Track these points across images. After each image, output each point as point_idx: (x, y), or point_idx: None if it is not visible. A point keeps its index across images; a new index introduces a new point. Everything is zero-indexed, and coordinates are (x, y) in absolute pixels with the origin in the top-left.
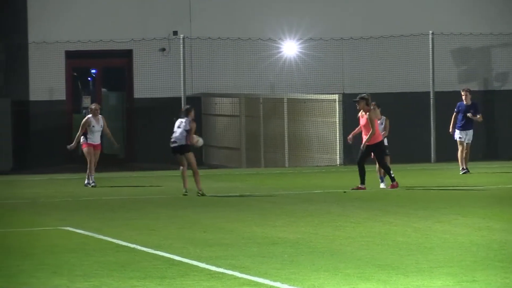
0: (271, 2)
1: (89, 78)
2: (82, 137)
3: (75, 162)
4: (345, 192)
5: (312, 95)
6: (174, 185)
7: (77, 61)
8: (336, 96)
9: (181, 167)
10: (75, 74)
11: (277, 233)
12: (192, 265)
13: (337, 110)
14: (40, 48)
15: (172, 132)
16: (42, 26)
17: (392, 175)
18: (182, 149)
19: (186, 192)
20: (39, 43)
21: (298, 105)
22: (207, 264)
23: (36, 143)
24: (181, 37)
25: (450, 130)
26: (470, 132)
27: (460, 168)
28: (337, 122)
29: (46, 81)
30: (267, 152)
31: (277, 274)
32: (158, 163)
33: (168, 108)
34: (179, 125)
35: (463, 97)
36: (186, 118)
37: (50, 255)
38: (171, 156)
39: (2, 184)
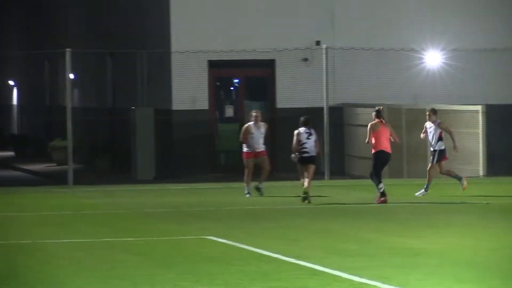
0: (414, 13)
1: (231, 88)
2: (244, 145)
3: (218, 171)
4: (488, 203)
5: (455, 105)
6: (313, 195)
7: (220, 71)
8: (479, 107)
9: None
10: (217, 83)
11: (419, 243)
12: (335, 275)
13: (480, 121)
14: (183, 57)
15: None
16: (185, 36)
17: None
18: (311, 159)
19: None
20: (182, 53)
21: (441, 116)
22: (349, 274)
23: (179, 152)
24: (324, 47)
25: None
26: None
27: None
28: (480, 133)
29: (189, 91)
30: (410, 163)
31: (420, 285)
32: (292, 173)
33: (310, 118)
34: (308, 136)
35: None
36: (305, 128)
37: (192, 264)
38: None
39: (145, 193)
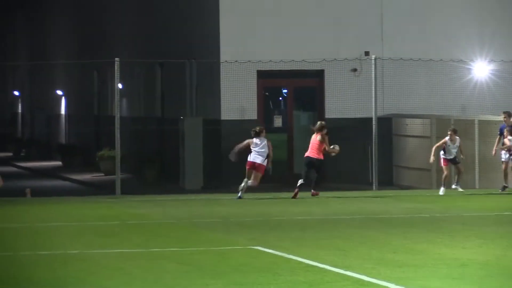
0: (462, 23)
1: (280, 98)
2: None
3: (266, 181)
4: None
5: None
6: (363, 206)
7: (269, 81)
8: None
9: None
10: (266, 93)
11: (467, 254)
12: (382, 286)
13: None
14: (232, 67)
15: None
16: (235, 46)
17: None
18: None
19: None
20: (231, 63)
21: (489, 127)
22: (396, 285)
23: (227, 162)
24: (373, 58)
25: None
26: None
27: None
28: None
29: (238, 100)
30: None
31: None
32: (347, 183)
33: (359, 129)
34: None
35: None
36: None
37: (240, 274)
38: (361, 177)
39: (193, 203)
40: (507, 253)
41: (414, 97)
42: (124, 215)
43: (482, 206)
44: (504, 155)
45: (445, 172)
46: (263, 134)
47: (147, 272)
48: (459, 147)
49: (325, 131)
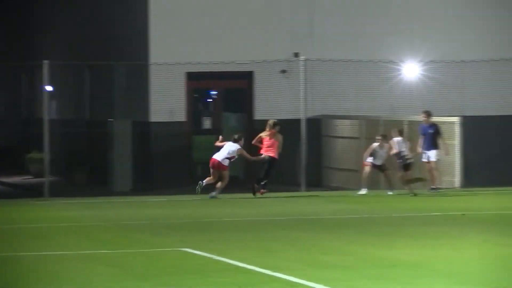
0: (392, 25)
1: (209, 100)
2: None
3: (195, 183)
4: (463, 214)
5: (433, 117)
6: (293, 207)
7: (198, 83)
8: (456, 119)
9: None
10: (195, 95)
11: (396, 255)
12: (311, 287)
13: (457, 132)
14: (161, 69)
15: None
16: (164, 48)
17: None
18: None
19: None
20: (160, 65)
21: (418, 127)
22: (325, 286)
23: (156, 164)
24: (302, 59)
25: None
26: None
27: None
28: (457, 145)
29: (167, 102)
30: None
31: None
32: (276, 184)
33: (289, 130)
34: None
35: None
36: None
37: (169, 276)
38: (290, 178)
39: (122, 205)
40: (436, 254)
41: (343, 98)
42: (53, 217)
43: (411, 207)
44: (424, 156)
45: (366, 171)
46: (241, 142)
47: (76, 275)
48: (389, 151)
49: (277, 128)
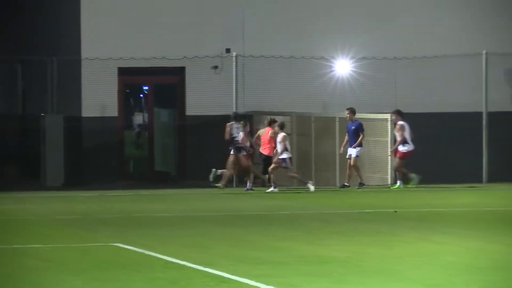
0: (324, 22)
1: (141, 95)
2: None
3: (127, 178)
4: (395, 211)
5: (364, 114)
6: (225, 203)
7: (130, 78)
8: (388, 116)
9: None
10: (127, 90)
11: (328, 252)
12: (242, 283)
13: (389, 129)
14: (93, 64)
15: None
16: (95, 43)
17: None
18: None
19: None
20: (92, 60)
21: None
22: (256, 281)
23: (88, 159)
24: (234, 55)
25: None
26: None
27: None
28: (389, 142)
29: (99, 98)
30: (318, 171)
31: None
32: (208, 180)
33: (220, 126)
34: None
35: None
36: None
37: (100, 270)
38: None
39: (54, 199)
40: (368, 250)
41: (275, 94)
42: None
43: (342, 203)
44: (349, 151)
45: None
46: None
47: (6, 268)
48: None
49: (275, 125)
